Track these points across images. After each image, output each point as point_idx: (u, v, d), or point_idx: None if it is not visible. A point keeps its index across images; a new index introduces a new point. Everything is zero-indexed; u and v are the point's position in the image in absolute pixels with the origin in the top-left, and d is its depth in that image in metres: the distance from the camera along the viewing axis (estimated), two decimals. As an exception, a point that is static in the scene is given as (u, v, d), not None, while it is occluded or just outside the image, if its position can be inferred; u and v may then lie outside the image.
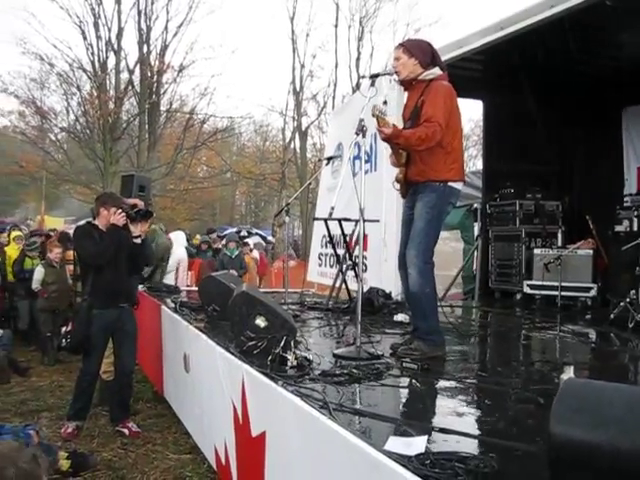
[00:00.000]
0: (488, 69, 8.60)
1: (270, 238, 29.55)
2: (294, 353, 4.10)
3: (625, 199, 7.98)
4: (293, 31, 32.39)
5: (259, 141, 41.00)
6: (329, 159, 7.62)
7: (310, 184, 11.65)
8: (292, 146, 34.95)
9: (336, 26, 31.85)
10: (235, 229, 24.59)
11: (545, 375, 4.08)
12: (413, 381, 3.86)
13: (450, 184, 4.50)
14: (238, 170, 34.78)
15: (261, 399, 3.70)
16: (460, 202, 12.86)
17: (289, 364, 4.01)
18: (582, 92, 8.98)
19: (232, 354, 4.34)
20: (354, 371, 3.89)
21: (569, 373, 3.12)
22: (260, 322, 4.50)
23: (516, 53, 7.52)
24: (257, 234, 27.64)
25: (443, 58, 4.92)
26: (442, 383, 3.85)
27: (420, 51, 4.56)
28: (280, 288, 11.56)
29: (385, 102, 4.46)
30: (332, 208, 4.68)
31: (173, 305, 6.87)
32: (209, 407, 4.94)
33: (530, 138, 9.28)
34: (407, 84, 4.71)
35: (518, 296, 8.73)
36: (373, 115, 4.33)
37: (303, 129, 33.76)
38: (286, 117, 35.02)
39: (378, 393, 3.59)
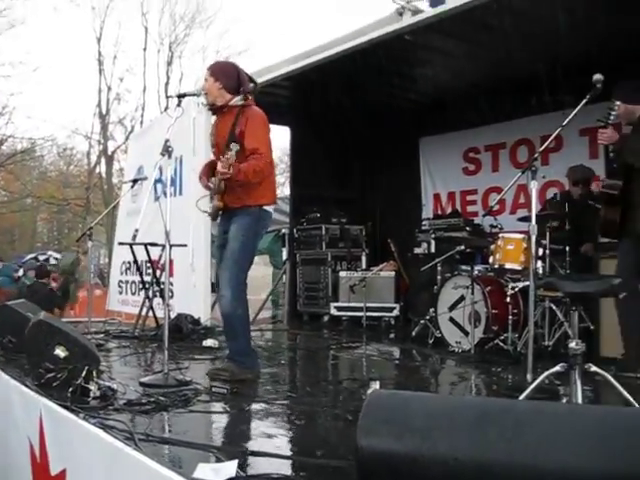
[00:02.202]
0: (295, 96, 8.76)
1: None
2: (97, 383, 3.87)
3: (423, 223, 8.43)
4: (100, 52, 31.39)
5: (62, 165, 39.08)
6: (134, 181, 7.38)
7: (115, 208, 11.21)
8: (97, 171, 33.70)
9: (145, 49, 31.29)
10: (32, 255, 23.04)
11: (353, 392, 4.17)
12: (223, 405, 3.78)
13: (264, 207, 4.55)
14: (39, 195, 32.92)
15: (60, 434, 3.44)
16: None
17: (92, 395, 3.79)
18: (383, 122, 9.40)
19: (28, 387, 4.02)
20: (161, 399, 3.75)
21: (375, 387, 3.19)
22: (60, 352, 4.21)
23: (320, 82, 7.71)
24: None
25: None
26: (252, 406, 3.80)
27: (224, 75, 4.56)
28: (84, 318, 11.00)
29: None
30: (136, 230, 4.53)
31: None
32: (4, 448, 4.53)
33: (335, 165, 9.57)
34: (217, 109, 4.67)
35: (325, 318, 8.90)
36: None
37: (109, 153, 32.70)
38: (91, 140, 33.73)
39: (187, 420, 3.46)
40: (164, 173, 8.77)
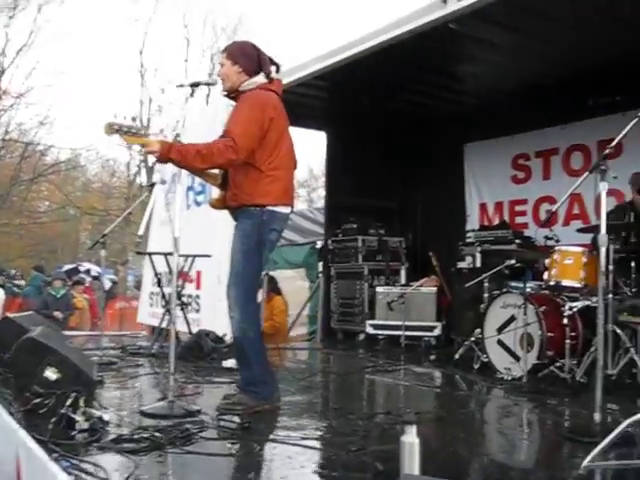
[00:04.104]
0: (330, 97, 8.21)
1: (112, 277, 28.00)
2: (85, 413, 3.32)
3: (468, 235, 7.80)
4: (142, 64, 31.44)
5: (106, 177, 39.23)
6: (151, 185, 6.96)
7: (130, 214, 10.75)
8: (138, 181, 33.68)
9: (186, 61, 31.27)
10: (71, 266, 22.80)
11: (386, 431, 3.54)
12: (229, 446, 3.19)
13: (270, 208, 3.89)
14: (80, 205, 32.97)
15: (34, 476, 2.89)
16: (304, 239, 12.59)
17: (77, 427, 3.24)
18: (425, 126, 8.82)
19: (12, 415, 3.50)
20: (156, 435, 3.16)
21: (411, 433, 2.59)
22: (50, 374, 3.74)
23: (356, 81, 7.12)
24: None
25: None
26: (264, 447, 3.21)
27: (244, 56, 3.97)
28: (114, 331, 10.66)
29: (134, 118, 3.81)
30: (140, 237, 4.01)
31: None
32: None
33: (373, 172, 8.99)
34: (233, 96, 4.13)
35: (361, 336, 8.30)
36: (107, 134, 3.63)
37: (150, 164, 32.63)
38: (132, 151, 33.70)
39: (182, 464, 2.90)
40: (175, 179, 8.29)
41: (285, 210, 3.97)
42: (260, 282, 4.13)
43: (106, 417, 3.39)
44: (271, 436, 3.39)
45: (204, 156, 3.69)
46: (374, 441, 3.28)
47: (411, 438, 2.57)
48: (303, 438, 3.31)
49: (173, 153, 3.67)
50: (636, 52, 5.90)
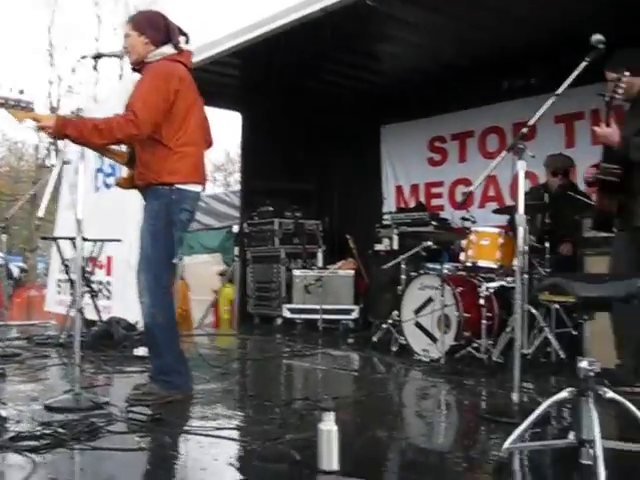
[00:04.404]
0: (245, 77, 7.99)
1: (21, 264, 27.01)
2: (-20, 409, 3.09)
3: (384, 217, 7.76)
4: (50, 42, 30.13)
5: (13, 160, 37.65)
6: (52, 165, 6.61)
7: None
8: (48, 165, 32.41)
9: (97, 40, 30.19)
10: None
11: (303, 418, 3.42)
12: (138, 439, 3.00)
13: (179, 186, 3.68)
14: (-17, 190, 31.61)
15: None
16: (220, 223, 12.36)
17: (-26, 424, 3.01)
18: (342, 107, 8.71)
19: None
20: (60, 430, 2.96)
21: (329, 420, 2.50)
22: (-56, 368, 3.46)
23: (272, 59, 6.93)
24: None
25: (195, 59, 4.17)
26: (176, 438, 3.05)
27: (151, 27, 3.74)
28: (22, 321, 10.19)
29: (22, 91, 3.57)
30: (39, 219, 3.78)
31: None
32: None
33: (290, 154, 8.85)
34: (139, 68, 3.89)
35: (278, 321, 8.19)
36: None
37: (61, 148, 31.43)
38: (40, 134, 32.39)
39: (87, 461, 2.71)
40: (105, 161, 7.95)
41: (196, 188, 3.78)
42: (173, 266, 3.91)
43: (4, 413, 3.19)
44: (184, 427, 3.22)
45: (102, 131, 3.47)
46: (292, 429, 3.16)
47: (329, 425, 2.48)
48: (217, 428, 3.16)
49: (69, 128, 3.45)
50: (552, 35, 5.97)
